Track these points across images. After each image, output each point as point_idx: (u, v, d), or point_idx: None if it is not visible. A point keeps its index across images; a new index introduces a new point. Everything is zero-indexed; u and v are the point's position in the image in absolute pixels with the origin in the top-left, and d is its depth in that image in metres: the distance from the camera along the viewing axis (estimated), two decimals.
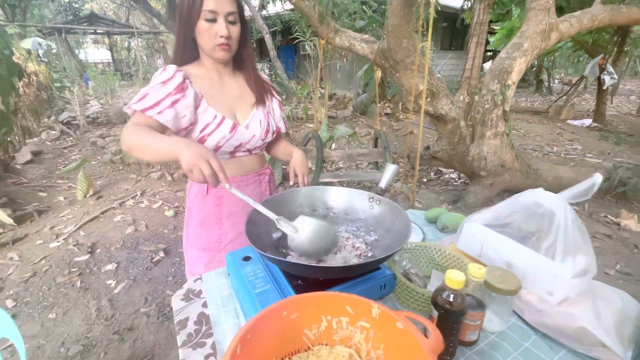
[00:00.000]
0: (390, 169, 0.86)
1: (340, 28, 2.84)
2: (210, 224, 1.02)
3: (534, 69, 11.56)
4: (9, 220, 2.59)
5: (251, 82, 1.02)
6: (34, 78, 4.91)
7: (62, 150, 4.66)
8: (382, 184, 0.85)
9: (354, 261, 0.72)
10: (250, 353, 0.42)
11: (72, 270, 2.18)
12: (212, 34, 0.87)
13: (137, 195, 3.33)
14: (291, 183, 1.01)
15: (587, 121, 6.86)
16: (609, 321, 0.63)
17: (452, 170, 3.99)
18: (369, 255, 0.73)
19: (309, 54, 6.64)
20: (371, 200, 0.84)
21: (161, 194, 3.40)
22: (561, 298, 0.67)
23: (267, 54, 8.57)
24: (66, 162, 4.25)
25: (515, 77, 2.92)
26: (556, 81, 13.33)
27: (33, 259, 2.29)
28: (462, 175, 3.89)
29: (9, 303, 1.86)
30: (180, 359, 0.63)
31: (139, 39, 12.29)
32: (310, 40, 6.13)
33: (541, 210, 0.75)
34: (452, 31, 10.96)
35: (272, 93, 1.08)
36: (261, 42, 9.89)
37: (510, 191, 3.28)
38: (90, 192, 3.30)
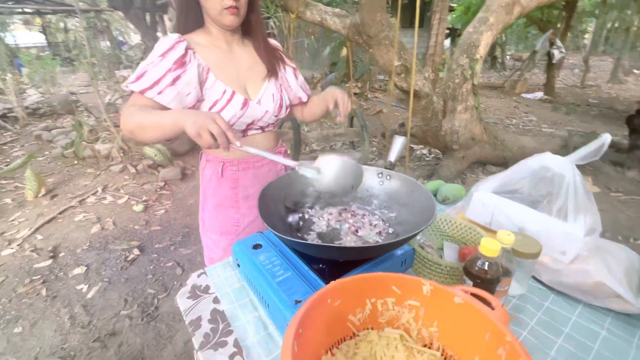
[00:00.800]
0: (398, 141, 0.82)
1: (311, 1, 2.71)
2: (226, 207, 0.97)
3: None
4: None
5: (261, 51, 0.93)
6: None
7: (0, 147, 4.13)
8: (392, 157, 0.82)
9: (377, 240, 0.68)
10: (304, 348, 0.38)
11: (34, 278, 1.97)
12: None
13: (98, 191, 3.06)
14: (331, 107, 0.92)
15: (539, 94, 7.33)
16: (620, 274, 0.66)
17: (423, 146, 4.09)
18: (390, 232, 0.70)
19: (273, 32, 6.36)
20: (380, 175, 0.81)
21: (126, 188, 3.15)
22: (573, 256, 0.69)
23: None
24: (8, 160, 3.78)
25: (482, 51, 2.99)
26: (508, 57, 14.02)
27: None
28: (432, 150, 4.00)
29: None
30: None
31: (78, 18, 11.03)
32: (275, 17, 5.84)
33: (550, 174, 0.76)
34: (412, 9, 11.04)
35: (285, 61, 0.98)
36: None
37: (480, 162, 3.44)
38: (43, 192, 2.97)
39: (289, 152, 1.56)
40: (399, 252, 0.70)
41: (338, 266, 0.65)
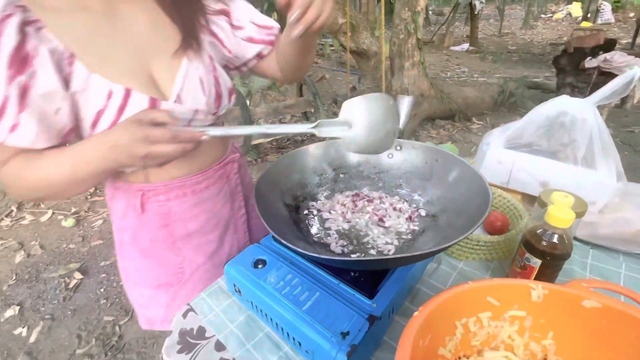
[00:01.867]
0: (405, 102, 0.68)
1: None
2: (159, 251, 0.66)
3: None
4: None
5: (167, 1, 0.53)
6: None
7: None
8: (400, 123, 0.68)
9: (412, 227, 0.56)
10: None
11: None
12: None
13: (12, 210, 2.50)
14: (290, 19, 0.45)
15: (465, 45, 7.70)
16: None
17: None
18: (423, 215, 0.58)
19: None
20: None
21: (47, 202, 2.62)
22: (602, 204, 0.65)
23: None
24: None
25: (422, 2, 2.93)
26: (430, 12, 14.47)
27: None
28: None
29: None
30: None
31: None
32: None
33: (568, 118, 0.69)
34: None
35: (213, 7, 0.57)
36: None
37: (429, 118, 3.51)
38: None
39: (247, 156, 1.15)
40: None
41: (374, 271, 0.51)
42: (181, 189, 0.61)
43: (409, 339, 0.28)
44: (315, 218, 0.59)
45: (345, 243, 0.53)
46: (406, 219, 0.57)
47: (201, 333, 0.53)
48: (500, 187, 0.76)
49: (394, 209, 0.59)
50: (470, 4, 7.27)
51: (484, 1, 7.03)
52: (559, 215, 0.45)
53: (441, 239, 0.50)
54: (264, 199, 0.53)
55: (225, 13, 0.58)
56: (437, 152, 0.61)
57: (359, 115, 0.47)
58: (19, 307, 1.68)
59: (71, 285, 1.79)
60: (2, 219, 2.42)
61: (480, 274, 0.61)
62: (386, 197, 0.63)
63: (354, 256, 0.51)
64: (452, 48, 7.88)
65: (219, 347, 0.51)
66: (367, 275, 0.51)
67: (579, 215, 0.58)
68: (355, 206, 0.60)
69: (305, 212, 0.60)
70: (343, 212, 0.59)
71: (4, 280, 1.87)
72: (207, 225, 0.66)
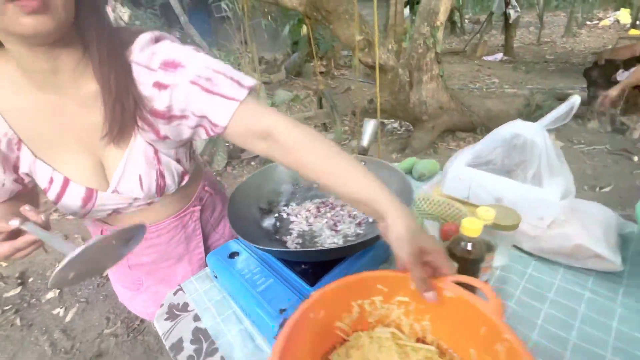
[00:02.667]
0: (369, 125, 0.79)
1: None
2: (121, 267, 0.75)
3: None
4: None
5: (99, 78, 0.47)
6: None
7: None
8: (364, 142, 0.79)
9: (358, 232, 0.66)
10: None
11: (5, 308, 1.83)
12: None
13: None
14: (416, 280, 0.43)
15: (499, 55, 7.49)
16: (598, 233, 0.67)
17: (394, 120, 4.10)
18: (370, 221, 0.68)
19: (226, 15, 6.03)
20: None
21: None
22: (551, 221, 0.70)
23: (177, 20, 7.59)
24: None
25: (442, 17, 2.97)
26: (466, 21, 14.18)
27: None
28: (403, 123, 4.02)
29: None
30: None
31: None
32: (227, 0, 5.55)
33: (521, 140, 0.76)
34: None
35: (153, 98, 0.50)
36: (166, 7, 8.70)
37: (450, 130, 3.50)
38: None
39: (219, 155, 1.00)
40: (380, 241, 0.68)
41: (321, 265, 0.62)
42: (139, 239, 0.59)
43: (300, 309, 0.39)
44: (283, 220, 0.71)
45: (300, 241, 0.64)
46: (356, 224, 0.67)
47: (185, 307, 0.67)
48: (460, 200, 0.83)
49: (349, 215, 0.70)
50: (505, 12, 7.09)
51: (519, 10, 6.82)
52: (469, 227, 0.53)
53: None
54: (240, 204, 0.66)
55: (159, 113, 0.51)
56: (391, 169, 0.71)
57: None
58: (58, 291, 1.94)
59: (105, 274, 2.03)
60: (51, 213, 2.78)
61: None
62: (347, 205, 0.74)
63: (293, 242, 0.62)
64: (484, 58, 7.69)
65: (196, 318, 0.64)
66: (314, 269, 0.61)
67: (513, 227, 0.65)
68: (318, 212, 0.71)
69: (276, 215, 0.72)
70: (307, 217, 0.71)
71: (48, 267, 2.16)
72: (159, 259, 0.74)
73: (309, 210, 0.72)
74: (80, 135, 0.52)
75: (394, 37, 6.20)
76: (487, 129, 3.41)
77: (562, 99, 3.83)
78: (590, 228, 0.68)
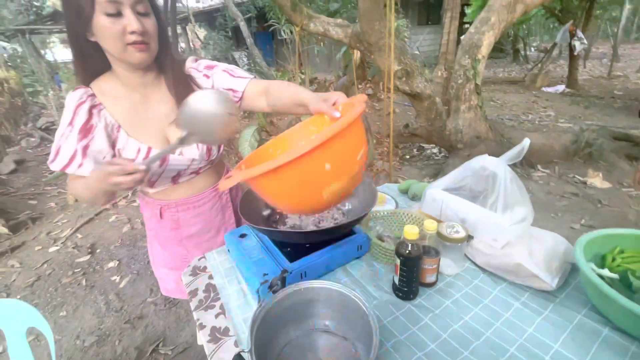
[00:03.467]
0: None
1: (314, 14, 2.89)
2: (171, 245, 0.97)
3: (510, 38, 11.71)
4: (4, 230, 2.63)
5: (171, 87, 0.81)
6: (6, 85, 4.79)
7: (45, 157, 4.61)
8: None
9: (328, 225, 0.85)
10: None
11: (76, 270, 2.28)
12: (119, 31, 0.66)
13: (128, 195, 3.39)
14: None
15: (561, 87, 7.10)
16: (539, 257, 0.78)
17: (433, 145, 4.15)
18: (346, 222, 0.86)
19: (286, 38, 6.61)
20: None
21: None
22: (504, 243, 0.82)
23: (244, 41, 8.44)
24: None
25: (484, 51, 3.05)
26: (533, 49, 13.54)
27: (34, 265, 2.36)
28: (442, 149, 4.06)
29: None
30: (195, 318, 0.75)
31: None
32: (287, 27, 6.10)
33: (486, 172, 0.89)
34: (428, 5, 10.95)
35: (200, 85, 0.85)
36: (237, 29, 9.71)
37: None
38: None
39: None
40: (355, 239, 0.86)
41: (303, 249, 0.81)
42: (185, 204, 0.92)
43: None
44: (282, 214, 0.92)
45: (289, 230, 0.85)
46: (334, 223, 0.86)
47: (204, 269, 0.91)
48: (434, 218, 0.97)
49: (332, 217, 0.89)
50: (570, 44, 6.76)
51: (586, 42, 6.45)
52: (408, 231, 0.69)
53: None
54: (249, 198, 0.89)
55: (225, 70, 0.88)
56: (365, 183, 0.89)
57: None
58: (118, 262, 2.34)
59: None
60: (121, 200, 3.31)
61: (387, 272, 0.84)
62: (334, 210, 0.93)
63: (280, 229, 0.83)
64: (544, 89, 7.34)
65: (210, 277, 0.87)
66: (296, 251, 0.81)
67: (457, 241, 0.79)
68: None
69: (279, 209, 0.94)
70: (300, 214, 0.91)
71: (112, 242, 2.60)
72: (203, 229, 0.98)
73: None
74: (154, 121, 0.81)
75: (445, 64, 6.26)
76: (529, 163, 3.35)
77: (619, 138, 3.60)
78: (534, 251, 0.79)
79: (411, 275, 0.72)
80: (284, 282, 0.63)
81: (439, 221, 0.95)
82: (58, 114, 5.72)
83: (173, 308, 1.89)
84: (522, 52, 11.65)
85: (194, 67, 0.87)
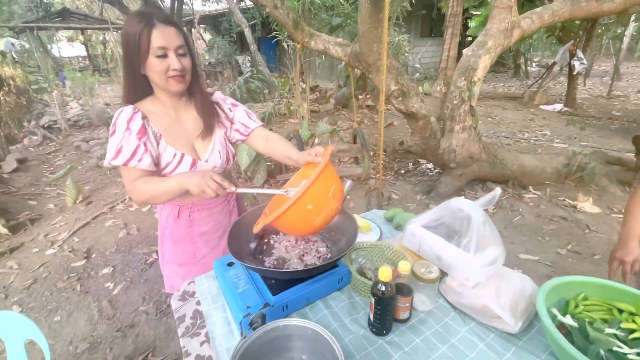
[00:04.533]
0: (346, 184, 1.04)
1: (315, 32, 2.97)
2: (184, 242, 1.11)
3: (512, 53, 11.84)
4: (4, 230, 2.68)
5: (199, 109, 1.04)
6: (12, 83, 4.85)
7: (46, 156, 4.67)
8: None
9: (316, 263, 0.90)
10: None
11: (71, 275, 2.32)
12: (164, 69, 0.89)
13: (126, 199, 3.44)
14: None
15: (559, 106, 7.18)
16: (506, 299, 0.83)
17: (427, 161, 4.22)
18: (327, 257, 0.92)
19: (288, 51, 6.71)
20: None
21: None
22: (475, 282, 0.88)
23: (248, 47, 8.54)
24: (52, 169, 4.28)
25: (480, 73, 3.12)
26: (534, 64, 13.67)
27: (32, 267, 2.41)
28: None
29: (16, 309, 2.00)
30: (181, 345, 0.81)
31: (115, 33, 11.98)
32: (289, 39, 6.20)
33: (462, 214, 0.95)
34: (431, 18, 11.09)
35: (225, 113, 1.09)
36: (241, 35, 9.82)
37: (479, 180, 3.54)
38: (80, 198, 3.39)
39: (260, 172, 1.74)
40: (336, 272, 0.91)
41: (285, 283, 0.87)
42: (201, 206, 1.09)
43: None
44: (269, 245, 0.98)
45: (275, 263, 0.91)
46: (317, 257, 0.92)
47: (192, 294, 0.96)
48: (413, 252, 1.03)
49: (317, 250, 0.94)
50: (570, 63, 6.85)
51: (585, 62, 6.55)
52: (383, 273, 0.75)
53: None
54: (240, 227, 0.94)
55: (229, 119, 1.11)
56: (351, 219, 0.95)
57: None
58: (112, 269, 2.39)
59: (148, 261, 2.46)
60: (118, 204, 3.36)
61: (365, 305, 0.90)
62: (319, 241, 0.98)
63: (270, 264, 0.89)
64: (542, 107, 7.43)
65: (198, 303, 0.92)
66: (278, 284, 0.86)
67: (430, 281, 0.84)
68: (296, 243, 0.97)
69: (266, 239, 0.99)
70: (286, 246, 0.97)
71: (108, 247, 2.65)
72: (213, 228, 1.14)
73: (289, 240, 0.97)
74: (185, 134, 1.01)
75: (444, 79, 6.35)
76: (520, 184, 3.41)
77: (612, 162, 3.66)
78: (501, 293, 0.84)
79: (385, 313, 0.78)
80: (264, 320, 0.68)
81: (418, 256, 1.01)
82: (61, 112, 5.79)
83: (164, 318, 1.94)
84: (523, 68, 11.77)
85: (221, 98, 1.12)
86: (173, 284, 1.17)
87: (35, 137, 5.19)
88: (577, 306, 0.82)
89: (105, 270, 2.37)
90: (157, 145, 0.95)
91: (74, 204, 3.32)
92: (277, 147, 1.08)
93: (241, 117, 1.11)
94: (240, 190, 0.86)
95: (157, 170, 0.98)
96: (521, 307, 0.84)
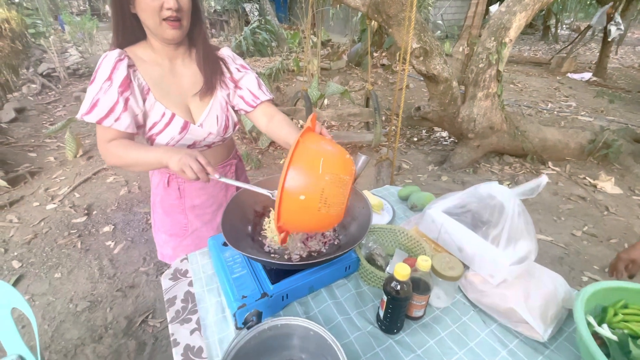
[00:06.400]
0: (360, 160, 0.90)
1: None
2: (174, 213, 1.02)
3: (543, 13, 10.83)
4: (3, 183, 2.63)
5: (200, 62, 0.88)
6: (6, 26, 4.56)
7: (45, 106, 4.52)
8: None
9: (322, 249, 0.80)
10: None
11: (72, 232, 2.30)
12: (157, 7, 0.74)
13: None
14: None
15: (587, 75, 6.69)
16: (535, 302, 0.73)
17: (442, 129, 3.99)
18: (335, 243, 0.81)
19: None
20: None
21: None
22: (500, 280, 0.77)
23: None
24: (52, 119, 4.16)
25: (513, 34, 2.80)
26: (565, 27, 12.60)
27: (32, 221, 2.38)
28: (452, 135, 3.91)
29: (15, 264, 1.99)
30: (170, 332, 0.73)
31: None
32: None
33: (494, 202, 0.82)
34: None
35: (231, 73, 0.94)
36: None
37: (497, 152, 3.35)
38: (80, 152, 3.30)
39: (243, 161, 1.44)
40: (343, 259, 0.81)
41: (285, 270, 0.77)
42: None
43: None
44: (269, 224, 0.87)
45: (275, 248, 0.80)
46: (323, 243, 0.81)
47: (185, 273, 0.87)
48: (430, 239, 0.91)
49: (322, 235, 0.83)
50: (605, 28, 6.24)
51: (622, 28, 5.95)
52: (400, 271, 0.64)
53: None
54: (237, 204, 0.83)
55: (234, 80, 0.95)
56: (365, 202, 0.82)
57: None
58: (113, 227, 2.35)
59: (149, 222, 2.41)
60: None
61: (374, 296, 0.81)
62: None
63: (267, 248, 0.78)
64: (569, 75, 6.92)
65: (190, 284, 0.84)
66: (280, 272, 0.77)
67: (452, 279, 0.74)
68: None
69: (265, 219, 0.88)
70: None
71: (109, 205, 2.60)
72: (206, 202, 1.03)
73: None
74: (179, 91, 0.87)
75: (468, 39, 5.84)
76: (540, 159, 3.22)
77: (639, 140, 3.42)
78: (531, 295, 0.74)
79: (397, 313, 0.68)
80: (259, 318, 0.59)
81: (436, 244, 0.90)
82: (60, 59, 5.52)
83: None
84: (553, 30, 10.85)
85: (229, 55, 0.96)
86: (164, 253, 1.12)
87: (34, 86, 4.99)
88: (615, 314, 0.72)
89: (106, 229, 2.34)
90: (144, 101, 0.82)
91: (74, 157, 3.24)
92: (280, 129, 0.92)
93: (251, 85, 0.95)
94: (223, 179, 0.72)
95: (138, 131, 0.85)
96: (552, 312, 0.74)
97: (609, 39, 6.09)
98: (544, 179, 0.74)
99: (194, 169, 0.69)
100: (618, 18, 5.72)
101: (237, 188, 1.06)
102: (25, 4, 7.56)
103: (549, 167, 3.21)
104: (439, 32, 8.95)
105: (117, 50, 0.79)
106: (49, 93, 4.98)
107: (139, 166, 0.79)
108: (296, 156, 0.61)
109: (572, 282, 1.91)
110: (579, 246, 2.21)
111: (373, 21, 5.43)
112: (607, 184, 2.90)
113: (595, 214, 2.56)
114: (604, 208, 2.61)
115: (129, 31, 0.82)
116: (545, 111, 4.89)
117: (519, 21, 2.76)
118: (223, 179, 0.72)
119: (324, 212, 0.63)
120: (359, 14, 6.50)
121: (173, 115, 0.84)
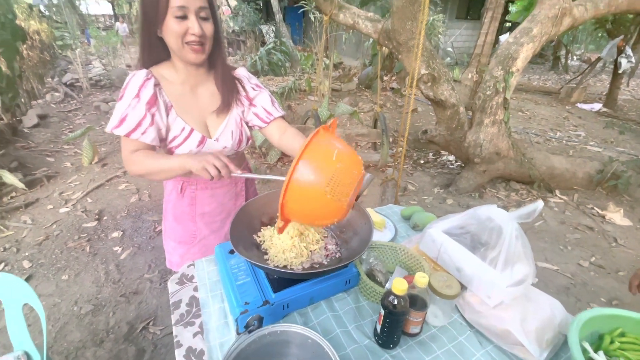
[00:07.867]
0: (365, 178, 0.94)
1: (345, 4, 2.77)
2: (185, 220, 1.06)
3: (553, 43, 11.00)
4: (21, 185, 2.73)
5: (219, 84, 0.95)
6: (37, 38, 4.84)
7: (66, 114, 4.72)
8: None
9: (323, 262, 0.83)
10: None
11: (82, 235, 2.36)
12: (182, 32, 0.81)
13: None
14: None
15: (597, 105, 6.71)
16: (532, 325, 0.74)
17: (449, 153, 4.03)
18: (337, 256, 0.84)
19: (314, 24, 6.41)
20: None
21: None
22: (497, 302, 0.78)
23: (273, 16, 8.25)
24: (71, 127, 4.33)
25: (520, 64, 2.87)
26: (575, 58, 12.75)
27: (45, 223, 2.46)
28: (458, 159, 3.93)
29: (26, 264, 2.05)
30: (174, 334, 0.76)
31: None
32: (316, 10, 5.91)
33: (492, 224, 0.84)
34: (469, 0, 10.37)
35: (246, 92, 1.00)
36: (267, 3, 9.47)
37: (504, 178, 3.36)
38: (95, 159, 3.42)
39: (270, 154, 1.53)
40: (344, 273, 0.84)
41: (288, 279, 0.80)
42: (204, 184, 1.03)
43: None
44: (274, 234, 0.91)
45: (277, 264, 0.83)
46: (325, 255, 0.84)
47: (191, 279, 0.91)
48: (430, 258, 0.94)
49: (325, 247, 0.86)
50: (616, 60, 6.32)
51: (633, 60, 6.01)
52: (397, 286, 0.67)
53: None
54: (245, 214, 0.87)
55: (248, 98, 1.01)
56: (367, 219, 0.86)
57: None
58: (122, 233, 2.41)
59: (157, 229, 2.46)
60: None
61: (373, 312, 0.83)
62: (329, 237, 0.90)
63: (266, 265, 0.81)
64: (579, 105, 6.96)
65: (195, 289, 0.87)
66: (282, 282, 0.80)
67: (449, 297, 0.76)
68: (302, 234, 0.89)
69: (272, 227, 0.92)
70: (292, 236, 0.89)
71: (119, 211, 2.66)
72: (215, 210, 1.08)
73: None
74: (199, 108, 0.94)
75: (477, 66, 5.97)
76: (547, 187, 3.21)
77: None
78: (527, 318, 0.75)
79: (394, 328, 0.70)
80: (260, 323, 0.62)
81: (435, 264, 0.92)
82: (83, 71, 5.80)
83: (167, 288, 1.94)
84: (563, 61, 10.99)
85: (245, 75, 1.02)
86: (172, 261, 1.15)
87: (57, 94, 5.23)
88: (612, 342, 0.73)
89: (115, 234, 2.39)
90: (167, 116, 0.89)
91: (89, 164, 3.35)
92: (293, 141, 0.98)
93: (264, 102, 1.01)
94: (244, 174, 0.80)
95: (161, 145, 0.91)
96: (548, 336, 0.75)
97: (620, 71, 6.15)
98: (539, 204, 0.76)
99: (217, 166, 0.75)
100: (629, 51, 5.80)
101: (247, 199, 1.12)
102: (55, 17, 8.02)
103: (557, 196, 3.19)
104: (448, 59, 9.14)
105: (145, 71, 0.87)
106: (71, 102, 5.21)
107: (162, 173, 0.85)
108: (314, 142, 0.65)
109: (578, 313, 1.87)
110: (585, 277, 2.18)
111: (379, 53, 5.63)
112: (616, 215, 2.87)
113: (603, 245, 2.52)
114: (613, 239, 2.57)
115: (154, 52, 0.89)
116: (553, 140, 4.90)
117: (526, 52, 2.84)
118: (244, 175, 0.80)
119: (328, 199, 0.63)
120: (371, 39, 6.73)
121: (192, 130, 0.90)
